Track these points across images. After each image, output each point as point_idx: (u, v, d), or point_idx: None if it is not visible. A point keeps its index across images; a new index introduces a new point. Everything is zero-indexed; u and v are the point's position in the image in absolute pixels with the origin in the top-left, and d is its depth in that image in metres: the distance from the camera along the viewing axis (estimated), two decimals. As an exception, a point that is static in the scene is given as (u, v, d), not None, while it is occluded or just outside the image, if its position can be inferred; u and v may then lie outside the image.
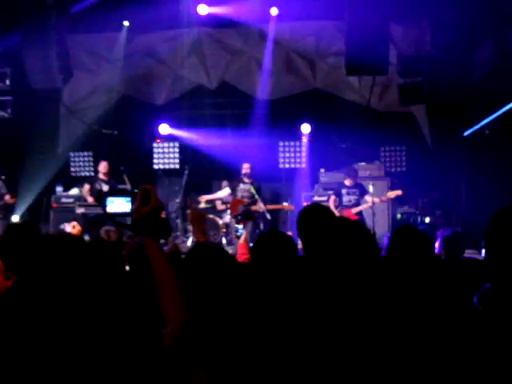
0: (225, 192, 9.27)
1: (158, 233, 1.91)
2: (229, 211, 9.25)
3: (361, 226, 2.11)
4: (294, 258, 2.56)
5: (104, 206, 1.97)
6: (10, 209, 9.40)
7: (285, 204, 9.60)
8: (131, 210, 1.92)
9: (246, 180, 8.78)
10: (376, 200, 8.36)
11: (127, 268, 3.26)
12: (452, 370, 1.80)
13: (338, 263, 1.94)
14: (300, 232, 3.08)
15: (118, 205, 1.95)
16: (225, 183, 9.98)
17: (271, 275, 2.46)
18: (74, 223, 5.09)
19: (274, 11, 10.38)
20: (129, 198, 1.96)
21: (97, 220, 8.02)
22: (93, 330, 1.82)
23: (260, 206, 8.57)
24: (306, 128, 10.98)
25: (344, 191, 8.60)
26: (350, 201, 8.55)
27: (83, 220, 8.33)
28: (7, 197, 8.72)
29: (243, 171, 8.81)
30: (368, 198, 8.44)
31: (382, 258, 2.77)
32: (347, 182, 8.63)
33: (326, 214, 3.12)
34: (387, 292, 2.17)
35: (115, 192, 2.00)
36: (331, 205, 8.47)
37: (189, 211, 9.51)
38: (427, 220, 9.32)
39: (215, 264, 2.40)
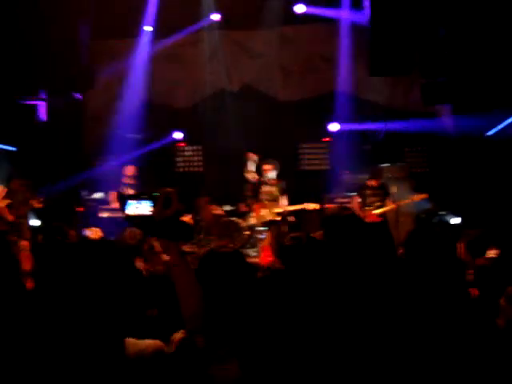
0: (252, 175, 8.83)
1: (179, 236, 1.93)
2: (251, 213, 9.15)
3: (382, 229, 2.12)
4: (320, 263, 2.57)
5: (123, 209, 2.00)
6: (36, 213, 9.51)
7: (307, 204, 9.40)
8: (152, 212, 1.95)
9: (268, 182, 8.72)
10: (400, 203, 8.27)
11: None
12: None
13: (358, 265, 1.94)
14: (326, 235, 3.13)
15: (140, 208, 1.98)
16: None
17: (297, 280, 2.47)
18: (94, 228, 5.14)
19: (299, 8, 10.52)
20: (150, 201, 1.98)
21: (121, 224, 8.09)
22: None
23: (283, 207, 8.53)
24: (334, 126, 10.91)
25: (368, 192, 8.53)
26: (373, 202, 8.47)
27: (107, 224, 8.40)
28: (34, 201, 8.82)
29: (264, 173, 8.72)
30: (391, 201, 8.36)
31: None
32: (371, 183, 8.56)
33: (352, 220, 3.18)
34: (402, 292, 2.16)
35: (137, 195, 2.02)
36: (355, 206, 8.42)
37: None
38: (452, 221, 9.20)
39: (226, 272, 2.39)
